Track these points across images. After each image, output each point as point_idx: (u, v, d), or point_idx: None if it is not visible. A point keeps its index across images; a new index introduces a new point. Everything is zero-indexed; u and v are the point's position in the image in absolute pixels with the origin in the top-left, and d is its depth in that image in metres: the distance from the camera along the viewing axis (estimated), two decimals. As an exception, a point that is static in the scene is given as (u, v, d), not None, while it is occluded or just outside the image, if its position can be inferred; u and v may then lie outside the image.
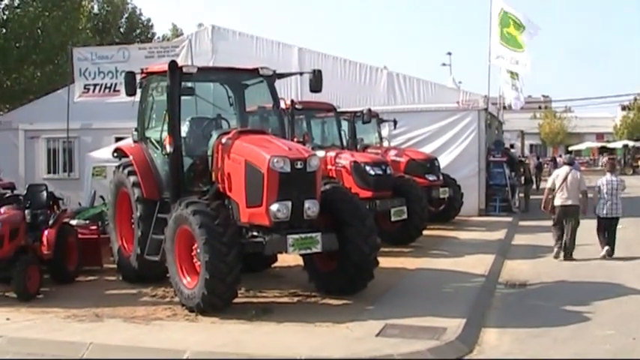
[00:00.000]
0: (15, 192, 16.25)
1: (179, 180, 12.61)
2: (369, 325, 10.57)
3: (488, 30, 27.82)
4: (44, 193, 15.12)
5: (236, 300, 11.63)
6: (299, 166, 11.31)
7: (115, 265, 14.80)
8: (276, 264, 14.81)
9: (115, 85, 23.09)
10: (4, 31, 35.40)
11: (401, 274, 14.74)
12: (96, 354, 9.97)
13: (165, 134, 12.79)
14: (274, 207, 11.15)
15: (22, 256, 13.30)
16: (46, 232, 13.99)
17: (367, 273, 12.27)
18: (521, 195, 30.30)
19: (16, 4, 36.69)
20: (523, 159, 38.43)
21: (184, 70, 12.80)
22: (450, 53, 76.59)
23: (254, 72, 13.48)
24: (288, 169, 11.21)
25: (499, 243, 19.63)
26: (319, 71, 13.29)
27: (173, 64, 12.56)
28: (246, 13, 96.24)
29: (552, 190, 17.46)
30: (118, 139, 22.36)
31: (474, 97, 26.33)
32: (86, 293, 13.56)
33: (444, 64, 69.61)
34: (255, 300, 12.48)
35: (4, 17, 36.01)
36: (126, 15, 59.01)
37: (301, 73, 14.28)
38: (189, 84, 13.11)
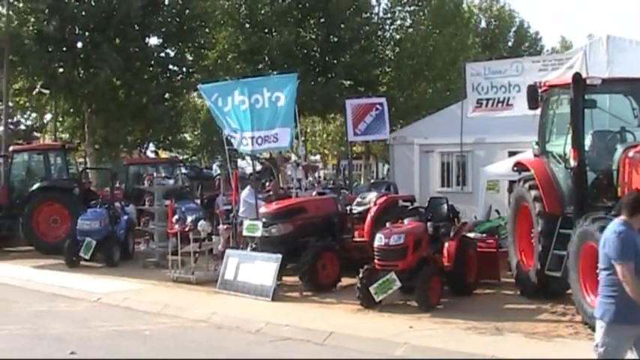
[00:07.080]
0: (415, 204, 16.90)
1: (583, 195, 12.35)
2: None
3: None
4: (445, 206, 15.54)
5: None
6: None
7: (512, 279, 14.83)
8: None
9: (508, 99, 22.92)
10: (397, 50, 37.09)
11: None
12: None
13: (568, 148, 12.60)
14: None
15: (424, 267, 13.79)
16: (446, 244, 14.39)
17: None
18: None
19: (407, 24, 38.28)
20: None
21: (588, 82, 12.53)
22: None
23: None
24: None
25: None
26: None
27: (577, 77, 12.37)
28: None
29: None
30: (511, 154, 22.32)
31: None
32: (485, 306, 13.74)
33: None
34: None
35: (398, 37, 37.73)
36: (513, 29, 58.95)
37: None
38: (592, 96, 12.75)
